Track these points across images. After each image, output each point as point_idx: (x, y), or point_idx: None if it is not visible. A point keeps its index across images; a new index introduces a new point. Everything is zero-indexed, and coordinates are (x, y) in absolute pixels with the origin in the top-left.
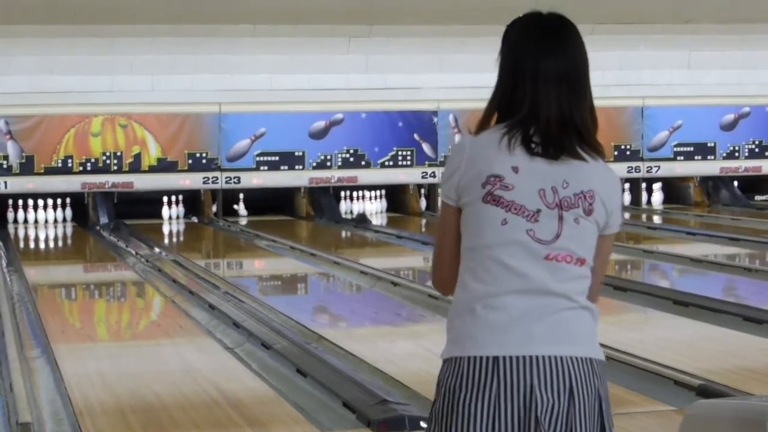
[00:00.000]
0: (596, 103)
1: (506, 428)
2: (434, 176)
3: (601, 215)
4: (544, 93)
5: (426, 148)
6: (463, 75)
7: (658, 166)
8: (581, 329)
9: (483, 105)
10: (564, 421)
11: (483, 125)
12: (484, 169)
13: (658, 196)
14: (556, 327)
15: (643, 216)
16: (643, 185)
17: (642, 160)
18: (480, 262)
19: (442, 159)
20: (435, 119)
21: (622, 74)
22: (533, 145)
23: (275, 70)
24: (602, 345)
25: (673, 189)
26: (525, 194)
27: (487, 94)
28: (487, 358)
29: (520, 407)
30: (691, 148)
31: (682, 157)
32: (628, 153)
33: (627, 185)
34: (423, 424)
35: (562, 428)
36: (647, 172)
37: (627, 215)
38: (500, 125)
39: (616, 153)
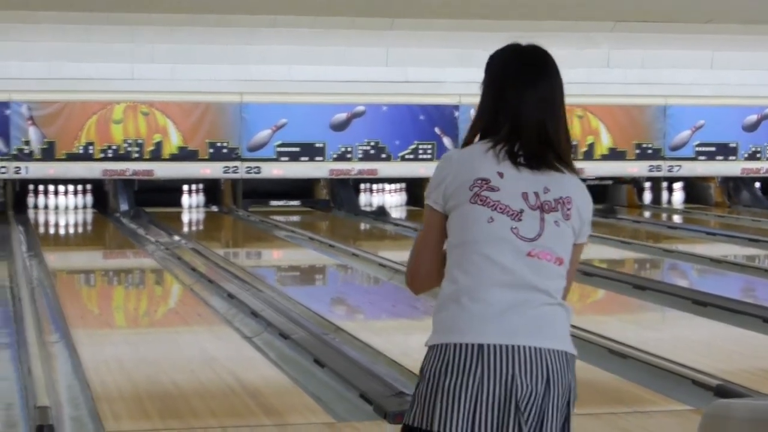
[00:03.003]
0: (618, 101)
1: (487, 411)
2: None
3: (576, 222)
4: (525, 117)
5: (447, 142)
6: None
7: (680, 166)
8: (558, 325)
9: None
10: (539, 408)
11: (466, 145)
12: (471, 174)
13: (678, 196)
14: (537, 321)
15: (664, 215)
16: (664, 184)
17: (663, 159)
18: (467, 257)
19: None
20: (456, 113)
21: (644, 73)
22: (518, 158)
23: (296, 61)
24: (620, 343)
25: (694, 189)
26: (509, 196)
27: None
28: (472, 345)
29: (502, 393)
30: (713, 148)
31: (703, 157)
32: (649, 152)
33: (648, 184)
34: None
35: (536, 414)
36: (668, 171)
37: (647, 214)
38: (485, 140)
39: (637, 152)
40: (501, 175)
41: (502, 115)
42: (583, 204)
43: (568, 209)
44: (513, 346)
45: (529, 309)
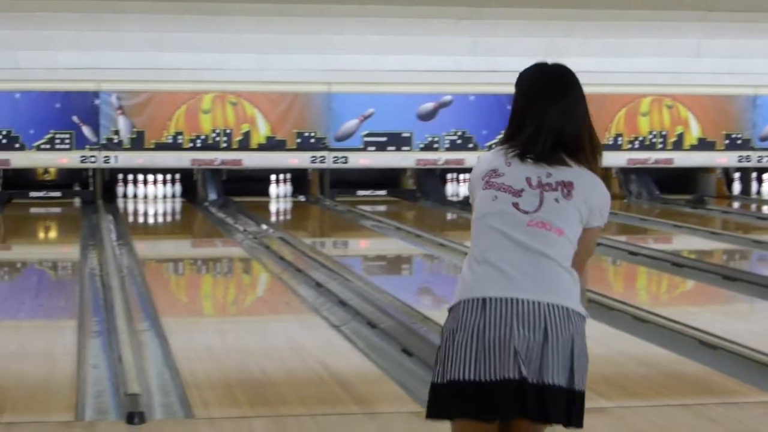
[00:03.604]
0: (706, 90)
1: (489, 356)
2: None
3: (581, 205)
4: (547, 124)
5: None
6: (572, 59)
7: None
8: (559, 283)
9: (592, 90)
10: (538, 354)
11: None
12: (486, 167)
13: None
14: (536, 278)
15: (753, 206)
16: (754, 175)
17: (753, 149)
18: (477, 231)
19: None
20: None
21: (734, 63)
22: (528, 155)
23: (384, 51)
24: (710, 334)
25: None
26: (513, 179)
27: (595, 78)
28: (477, 299)
29: (501, 338)
30: None
31: None
32: (739, 142)
33: (737, 174)
34: None
35: (536, 360)
36: (758, 161)
37: (737, 204)
38: (505, 145)
39: (726, 142)
40: (508, 164)
41: (528, 122)
42: (590, 192)
43: (569, 191)
44: (512, 299)
45: (529, 268)
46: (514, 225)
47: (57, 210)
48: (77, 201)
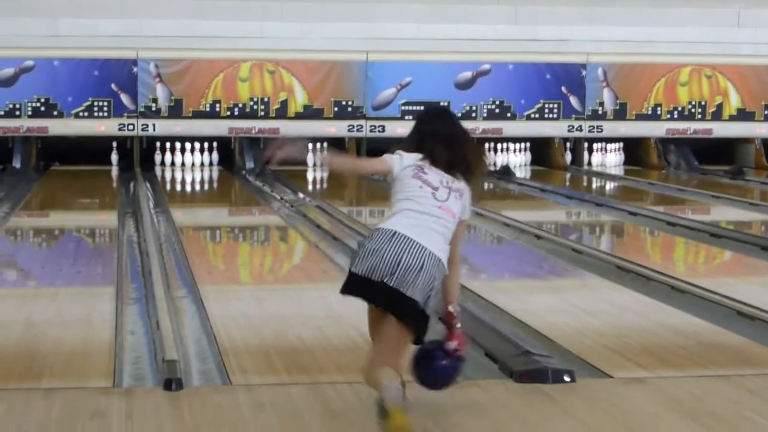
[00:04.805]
0: (746, 60)
1: (383, 263)
2: (581, 130)
3: (464, 204)
4: (440, 148)
5: (573, 101)
6: (612, 28)
7: None
8: (439, 245)
9: (632, 59)
10: (414, 276)
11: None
12: (413, 163)
13: None
14: (428, 234)
15: None
16: None
17: None
18: (407, 202)
19: (590, 113)
20: (583, 72)
21: None
22: (437, 165)
23: (423, 19)
24: (748, 305)
25: None
26: (432, 179)
27: (637, 48)
28: (389, 230)
29: (394, 257)
30: None
31: None
32: None
33: None
34: (566, 378)
35: (411, 277)
36: None
37: None
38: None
39: (766, 112)
40: (430, 168)
41: (427, 145)
42: (467, 197)
43: (461, 195)
44: (409, 238)
45: (426, 228)
46: (430, 204)
47: (94, 177)
48: (115, 169)
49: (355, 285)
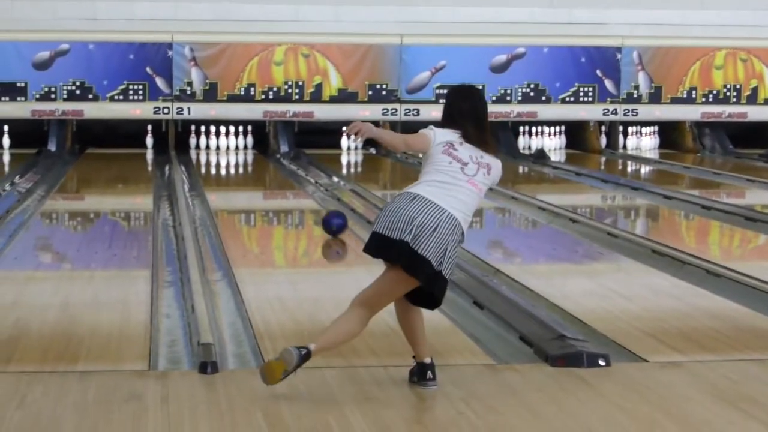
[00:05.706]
0: None
1: (400, 221)
2: (615, 113)
3: (493, 178)
4: (473, 122)
5: (608, 84)
6: (648, 11)
7: None
8: (459, 209)
9: (668, 42)
10: (428, 235)
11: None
12: (445, 140)
13: None
14: (450, 201)
15: None
16: None
17: None
18: (439, 175)
19: (624, 96)
20: (618, 55)
21: None
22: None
23: (458, 2)
24: None
25: None
26: (462, 155)
27: (672, 31)
28: (412, 193)
29: (409, 216)
30: None
31: None
32: None
33: None
34: (601, 362)
35: (425, 236)
36: None
37: None
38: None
39: None
40: (461, 144)
41: (458, 120)
42: (497, 171)
43: (489, 170)
44: (428, 199)
45: (448, 196)
46: (460, 177)
47: (129, 161)
48: (150, 152)
49: (375, 243)
